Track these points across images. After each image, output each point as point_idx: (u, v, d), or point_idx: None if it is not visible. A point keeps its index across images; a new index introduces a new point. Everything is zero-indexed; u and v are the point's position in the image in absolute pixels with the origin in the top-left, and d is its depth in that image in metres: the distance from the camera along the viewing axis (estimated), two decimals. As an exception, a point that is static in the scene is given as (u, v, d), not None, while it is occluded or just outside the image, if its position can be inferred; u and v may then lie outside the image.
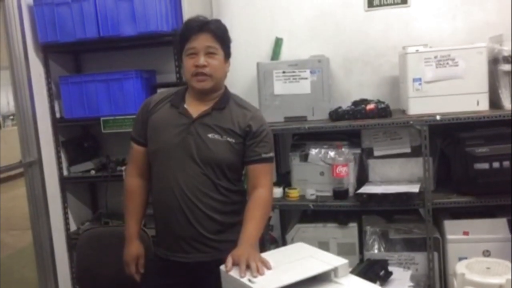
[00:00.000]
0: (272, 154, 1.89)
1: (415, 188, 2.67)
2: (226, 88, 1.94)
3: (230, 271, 1.58)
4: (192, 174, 1.80)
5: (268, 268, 1.58)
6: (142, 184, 1.97)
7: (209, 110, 1.85)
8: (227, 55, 1.89)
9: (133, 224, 1.99)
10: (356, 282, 1.53)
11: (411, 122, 2.65)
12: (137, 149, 1.95)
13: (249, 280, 1.49)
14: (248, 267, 1.56)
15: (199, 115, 1.84)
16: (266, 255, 1.69)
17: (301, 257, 1.66)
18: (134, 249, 1.97)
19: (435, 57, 2.66)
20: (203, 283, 1.87)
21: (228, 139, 1.82)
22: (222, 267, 1.62)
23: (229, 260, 1.62)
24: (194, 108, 1.86)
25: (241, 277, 1.53)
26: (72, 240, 3.33)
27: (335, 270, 1.55)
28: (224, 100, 1.89)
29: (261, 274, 1.53)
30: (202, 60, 1.80)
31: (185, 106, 1.88)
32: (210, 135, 1.82)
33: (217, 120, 1.84)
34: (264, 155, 1.86)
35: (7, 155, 3.30)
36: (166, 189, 1.83)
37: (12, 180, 5.45)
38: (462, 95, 2.67)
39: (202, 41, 1.81)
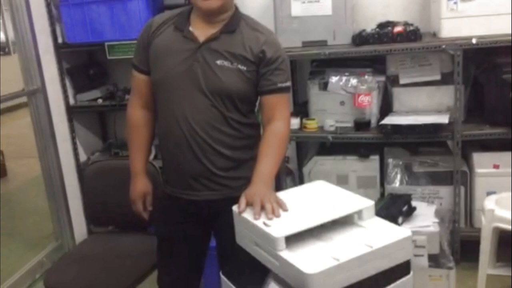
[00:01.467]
0: (289, 83, 1.69)
1: (444, 119, 2.47)
2: (236, 8, 1.71)
3: (243, 212, 1.45)
4: (200, 106, 1.62)
5: (284, 209, 1.43)
6: (146, 115, 1.79)
7: (218, 33, 1.64)
8: None
9: (138, 159, 1.83)
10: (381, 225, 1.39)
11: (444, 46, 2.40)
12: (140, 77, 1.75)
13: (264, 223, 1.35)
14: (262, 208, 1.43)
15: (206, 39, 1.63)
16: (282, 194, 1.55)
17: (321, 197, 1.51)
18: (140, 186, 1.84)
19: (474, -28, 2.36)
20: (214, 222, 1.75)
21: (239, 66, 1.62)
22: (235, 208, 1.48)
23: (242, 200, 1.49)
24: (201, 31, 1.64)
25: (255, 219, 1.39)
26: (82, 170, 3.23)
27: (359, 212, 1.41)
28: (234, 22, 1.67)
29: (277, 216, 1.39)
30: None
31: (191, 29, 1.66)
32: (218, 62, 1.61)
33: (227, 44, 1.63)
34: (280, 85, 1.66)
35: (17, 82, 3.16)
36: (171, 122, 1.66)
37: (24, 107, 5.36)
38: (501, 15, 2.39)
39: None
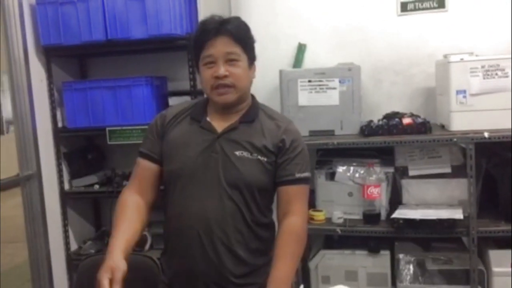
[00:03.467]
0: (308, 174, 1.61)
1: (458, 214, 2.37)
2: (253, 97, 1.67)
3: None
4: (217, 200, 1.52)
5: None
6: (140, 202, 1.58)
7: (236, 123, 1.58)
8: (251, 58, 1.61)
9: (119, 237, 1.48)
10: None
11: (455, 140, 2.36)
12: (147, 165, 1.63)
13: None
14: None
15: (225, 130, 1.57)
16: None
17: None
18: (110, 261, 1.41)
19: (482, 66, 2.37)
20: None
21: (259, 157, 1.54)
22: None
23: None
24: (219, 122, 1.58)
25: None
26: (72, 260, 3.05)
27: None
28: (252, 111, 1.61)
29: None
30: (222, 70, 1.52)
31: (208, 119, 1.60)
32: (238, 153, 1.53)
33: (246, 135, 1.56)
34: (298, 175, 1.57)
35: (10, 163, 3.05)
36: (185, 219, 1.53)
37: (14, 188, 5.21)
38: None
39: (221, 47, 1.53)
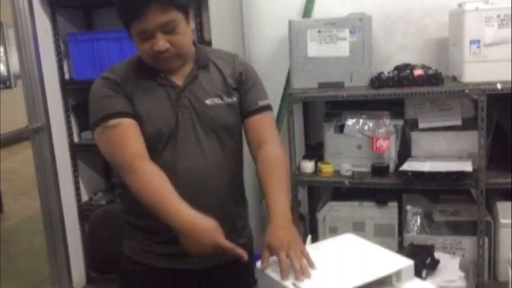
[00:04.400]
0: (269, 101, 1.58)
1: (467, 166, 2.36)
2: (195, 42, 1.54)
3: (266, 268, 1.30)
4: (201, 154, 1.47)
5: (311, 265, 1.28)
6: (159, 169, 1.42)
7: (194, 71, 1.49)
8: (187, 11, 1.42)
9: (185, 206, 1.35)
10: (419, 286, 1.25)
11: (467, 91, 2.32)
12: (131, 124, 1.42)
13: (294, 285, 1.22)
14: (287, 256, 1.27)
15: (186, 82, 1.47)
16: (310, 249, 1.42)
17: (353, 254, 1.38)
18: (207, 222, 1.33)
19: (498, 16, 2.30)
20: None
21: (229, 100, 1.50)
22: (258, 264, 1.35)
23: (266, 254, 1.31)
24: (175, 76, 1.47)
25: (283, 277, 1.24)
26: (83, 211, 3.11)
27: (397, 273, 1.27)
28: (202, 56, 1.52)
29: (308, 277, 1.25)
30: (161, 43, 1.37)
31: (162, 75, 1.46)
32: (208, 102, 1.47)
33: (208, 81, 1.49)
34: (261, 103, 1.54)
35: (18, 116, 3.06)
36: (174, 176, 1.43)
37: (23, 142, 5.26)
38: (525, 60, 2.32)
39: (154, 18, 1.35)
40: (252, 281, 1.59)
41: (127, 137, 1.42)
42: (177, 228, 1.34)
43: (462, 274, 2.16)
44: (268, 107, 1.57)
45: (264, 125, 1.54)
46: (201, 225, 1.33)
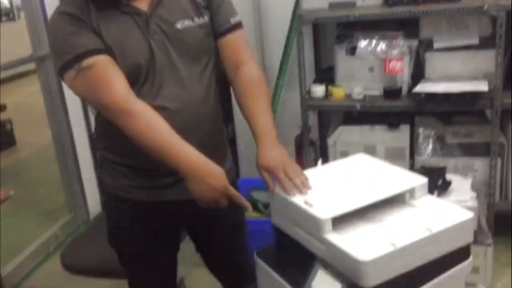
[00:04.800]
0: (240, 19, 1.49)
1: (483, 86, 2.30)
2: None
3: (274, 189, 1.31)
4: (181, 84, 1.38)
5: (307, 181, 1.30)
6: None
7: None
8: None
9: (189, 147, 1.31)
10: (438, 205, 1.25)
11: (486, 7, 2.21)
12: (108, 61, 1.29)
13: (306, 203, 1.21)
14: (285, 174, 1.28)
15: (151, 6, 1.34)
16: (321, 170, 1.41)
17: (366, 173, 1.36)
18: (214, 168, 1.31)
19: None
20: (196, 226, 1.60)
21: (200, 20, 1.40)
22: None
23: (266, 175, 1.31)
24: (137, 0, 1.34)
25: (289, 194, 1.25)
26: (94, 140, 3.11)
27: (411, 190, 1.27)
28: None
29: (309, 188, 1.26)
30: None
31: (124, 1, 1.33)
32: (178, 26, 1.37)
33: (174, 1, 1.38)
34: (233, 20, 1.46)
35: (23, 48, 3.01)
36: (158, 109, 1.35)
37: (33, 74, 5.23)
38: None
39: None
40: (239, 209, 1.58)
41: (108, 77, 1.28)
42: (186, 172, 1.29)
43: (473, 194, 2.16)
44: (240, 25, 1.48)
45: (239, 46, 1.48)
46: (212, 169, 1.30)
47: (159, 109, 1.33)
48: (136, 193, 1.46)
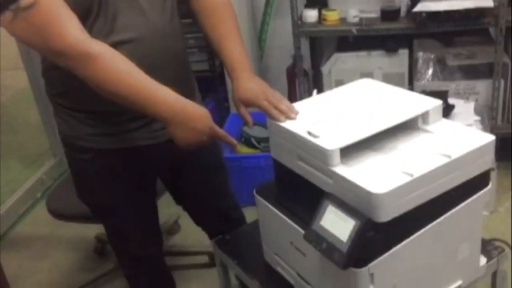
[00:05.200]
0: None
1: (488, 2, 2.14)
2: None
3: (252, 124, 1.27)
4: (146, 15, 1.23)
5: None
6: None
7: None
8: None
9: (163, 88, 1.17)
10: (454, 129, 1.13)
11: None
12: None
13: (309, 133, 1.09)
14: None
15: None
16: (323, 97, 1.28)
17: (373, 99, 1.24)
18: (199, 110, 1.21)
19: None
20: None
21: None
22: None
23: (243, 109, 1.25)
24: None
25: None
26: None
27: (424, 114, 1.15)
28: None
29: (296, 113, 1.17)
30: None
31: None
32: None
33: None
34: None
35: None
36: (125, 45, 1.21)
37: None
38: None
39: None
40: (216, 150, 1.53)
41: (56, 16, 1.08)
42: (166, 117, 1.17)
43: (477, 118, 2.07)
44: None
45: None
46: (195, 111, 1.19)
47: (116, 45, 1.16)
48: (99, 141, 1.32)
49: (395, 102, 1.19)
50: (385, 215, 0.96)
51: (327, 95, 1.33)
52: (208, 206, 1.59)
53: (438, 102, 1.16)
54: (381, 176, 0.99)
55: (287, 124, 1.15)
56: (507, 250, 1.27)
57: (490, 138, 1.07)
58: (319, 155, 1.05)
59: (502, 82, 2.29)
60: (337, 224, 0.97)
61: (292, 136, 1.12)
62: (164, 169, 1.49)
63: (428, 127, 1.15)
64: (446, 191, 1.03)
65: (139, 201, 1.46)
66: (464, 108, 2.13)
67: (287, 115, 1.17)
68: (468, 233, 1.14)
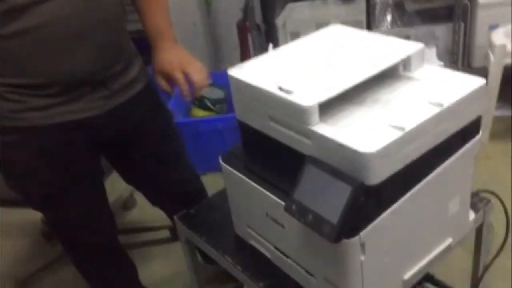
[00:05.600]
0: None
1: None
2: None
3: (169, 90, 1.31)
4: None
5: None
6: None
7: None
8: None
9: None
10: (437, 74, 1.02)
11: None
12: None
13: (281, 89, 0.95)
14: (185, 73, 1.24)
15: None
16: (289, 47, 1.13)
17: (347, 47, 1.10)
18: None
19: None
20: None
21: None
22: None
23: (160, 80, 1.28)
24: None
25: (185, 96, 1.27)
26: None
27: (406, 60, 1.03)
28: None
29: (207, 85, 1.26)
30: None
31: None
32: None
33: None
34: None
35: None
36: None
37: None
38: None
39: None
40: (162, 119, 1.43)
41: None
42: None
43: (441, 63, 1.99)
44: None
45: None
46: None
47: (37, 4, 1.03)
48: (27, 118, 1.14)
49: (372, 49, 1.06)
50: (376, 176, 0.84)
51: (291, 46, 1.17)
52: (162, 182, 1.44)
53: (419, 46, 1.05)
54: (369, 133, 0.86)
55: (253, 80, 1.00)
56: (493, 201, 1.19)
57: (481, 82, 0.96)
58: (294, 114, 0.91)
59: (462, 25, 2.22)
60: (323, 192, 0.85)
61: (261, 94, 0.97)
62: (107, 144, 1.33)
63: (411, 74, 1.03)
64: (439, 143, 0.92)
65: (83, 185, 1.29)
66: (427, 54, 2.03)
67: (197, 86, 1.22)
68: (459, 186, 1.04)
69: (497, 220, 1.21)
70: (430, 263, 1.05)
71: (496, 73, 1.95)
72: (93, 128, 1.22)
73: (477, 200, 1.18)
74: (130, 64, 1.27)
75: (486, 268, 1.21)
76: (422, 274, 1.06)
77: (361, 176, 0.83)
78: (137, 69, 1.30)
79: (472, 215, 1.13)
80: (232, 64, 1.09)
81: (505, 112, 2.20)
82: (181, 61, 1.24)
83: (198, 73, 1.23)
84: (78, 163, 1.25)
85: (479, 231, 1.21)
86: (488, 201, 1.19)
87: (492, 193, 1.16)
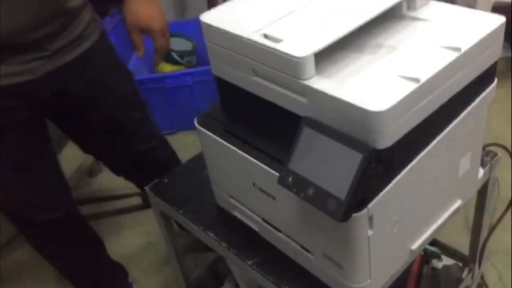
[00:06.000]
0: None
1: None
2: None
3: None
4: None
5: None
6: None
7: None
8: None
9: None
10: (447, 12, 0.87)
11: None
12: None
13: (267, 37, 0.78)
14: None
15: None
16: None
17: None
18: None
19: None
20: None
21: None
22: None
23: (135, 36, 1.22)
24: None
25: (138, 55, 1.26)
26: None
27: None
28: None
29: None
30: None
31: None
32: None
33: None
34: None
35: None
36: None
37: None
38: None
39: None
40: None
41: None
42: None
43: None
44: None
45: None
46: None
47: None
48: None
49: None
50: (388, 139, 0.70)
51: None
52: (123, 150, 1.29)
53: (424, -21, 0.88)
54: (377, 87, 0.72)
55: (232, 28, 0.83)
56: (500, 154, 1.08)
57: (501, 19, 0.82)
58: (285, 66, 0.75)
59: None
60: (326, 160, 0.71)
61: (242, 43, 0.80)
62: (56, 112, 1.18)
63: (416, 14, 0.87)
64: (455, 94, 0.79)
65: (29, 156, 1.13)
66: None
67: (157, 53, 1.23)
68: (472, 140, 0.92)
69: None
70: (438, 229, 0.94)
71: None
72: (31, 93, 1.05)
73: (483, 154, 1.07)
74: (71, 22, 1.09)
75: (494, 226, 1.11)
76: (429, 241, 0.95)
77: (371, 140, 0.69)
78: (82, 26, 1.13)
79: (481, 172, 1.02)
80: (199, 11, 0.92)
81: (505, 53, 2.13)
82: (148, 21, 1.20)
83: (161, 40, 1.22)
84: (21, 132, 1.09)
85: (484, 187, 1.11)
86: (495, 154, 1.08)
87: (501, 146, 1.04)
